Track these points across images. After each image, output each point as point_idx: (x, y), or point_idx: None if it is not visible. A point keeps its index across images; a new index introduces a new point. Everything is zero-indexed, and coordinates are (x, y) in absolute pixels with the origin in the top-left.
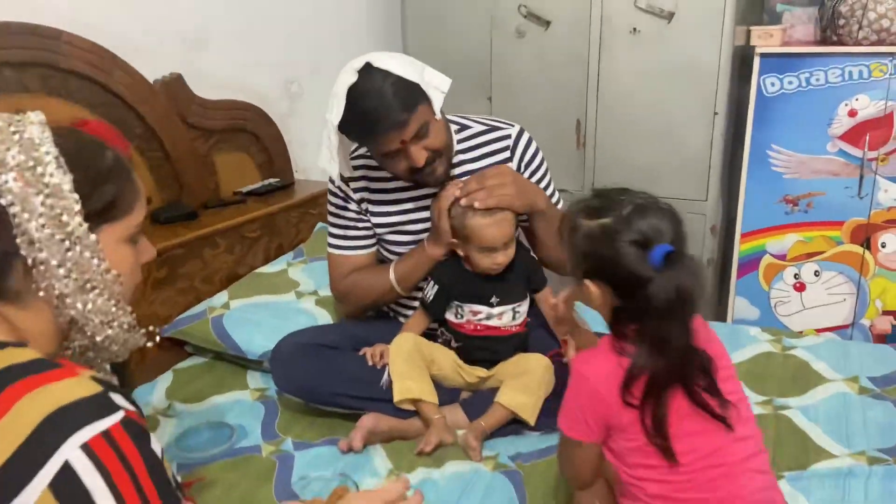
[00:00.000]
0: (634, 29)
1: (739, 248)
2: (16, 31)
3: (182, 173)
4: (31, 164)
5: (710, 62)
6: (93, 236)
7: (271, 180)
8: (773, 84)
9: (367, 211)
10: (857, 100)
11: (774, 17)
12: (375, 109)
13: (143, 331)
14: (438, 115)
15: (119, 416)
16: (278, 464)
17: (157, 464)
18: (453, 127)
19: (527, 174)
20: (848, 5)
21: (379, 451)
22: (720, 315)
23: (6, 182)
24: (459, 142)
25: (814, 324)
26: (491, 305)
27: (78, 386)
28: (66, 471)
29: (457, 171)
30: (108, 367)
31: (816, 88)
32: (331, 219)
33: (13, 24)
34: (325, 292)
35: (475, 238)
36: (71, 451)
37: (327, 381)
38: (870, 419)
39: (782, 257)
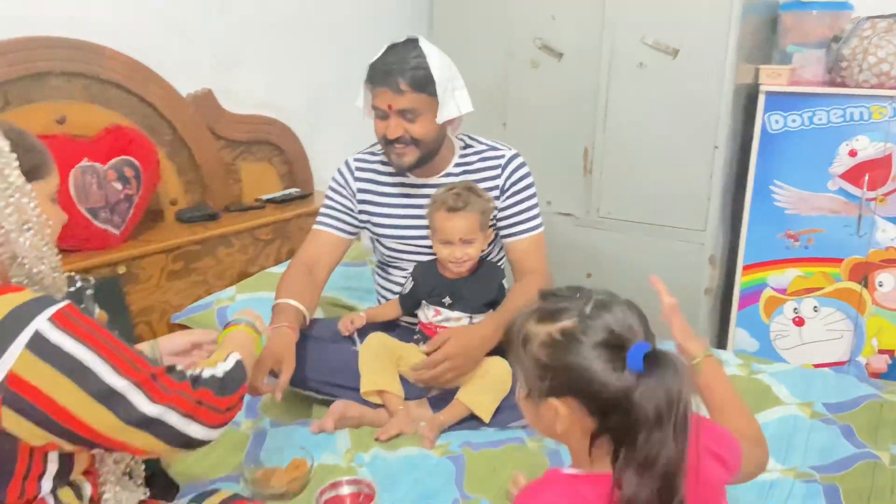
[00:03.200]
0: (641, 63)
1: (741, 279)
2: (64, 45)
3: (207, 179)
4: None
5: (712, 98)
6: (28, 186)
7: (292, 190)
8: (776, 121)
9: (363, 212)
10: (857, 140)
11: (785, 57)
12: (390, 65)
13: (66, 275)
14: (439, 119)
15: (66, 302)
16: (252, 437)
17: (104, 326)
18: (458, 143)
19: (508, 194)
20: (850, 48)
21: (345, 434)
22: (720, 345)
23: None
24: (463, 155)
25: (812, 359)
26: (443, 305)
27: (28, 293)
28: (38, 336)
29: (452, 178)
30: None
31: (819, 127)
32: (325, 200)
33: (62, 39)
34: (325, 293)
35: (436, 230)
36: (39, 324)
37: (307, 368)
38: (812, 440)
39: (782, 291)
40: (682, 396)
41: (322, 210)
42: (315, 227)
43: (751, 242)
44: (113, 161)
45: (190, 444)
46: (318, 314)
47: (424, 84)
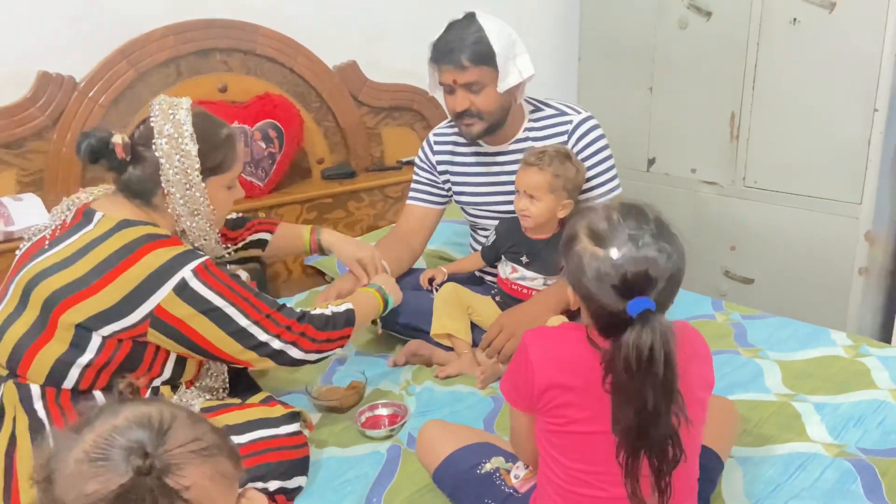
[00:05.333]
0: (794, 19)
1: None
2: (224, 25)
3: (350, 141)
4: (176, 135)
5: (872, 55)
6: (203, 184)
7: None
8: None
9: (447, 182)
10: None
11: None
12: (450, 42)
13: (224, 247)
14: (500, 88)
15: (205, 258)
16: (334, 362)
17: (238, 278)
18: (528, 107)
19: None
20: None
21: (410, 368)
22: (886, 335)
23: (162, 144)
24: (530, 120)
25: None
26: (520, 263)
27: (182, 247)
28: (183, 282)
29: (521, 144)
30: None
31: None
32: (413, 175)
33: (224, 20)
34: (433, 246)
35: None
36: (185, 273)
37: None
38: (886, 424)
39: None
40: (654, 354)
41: (412, 185)
42: (407, 202)
43: None
44: (259, 124)
45: (290, 363)
46: (422, 264)
47: (485, 57)
